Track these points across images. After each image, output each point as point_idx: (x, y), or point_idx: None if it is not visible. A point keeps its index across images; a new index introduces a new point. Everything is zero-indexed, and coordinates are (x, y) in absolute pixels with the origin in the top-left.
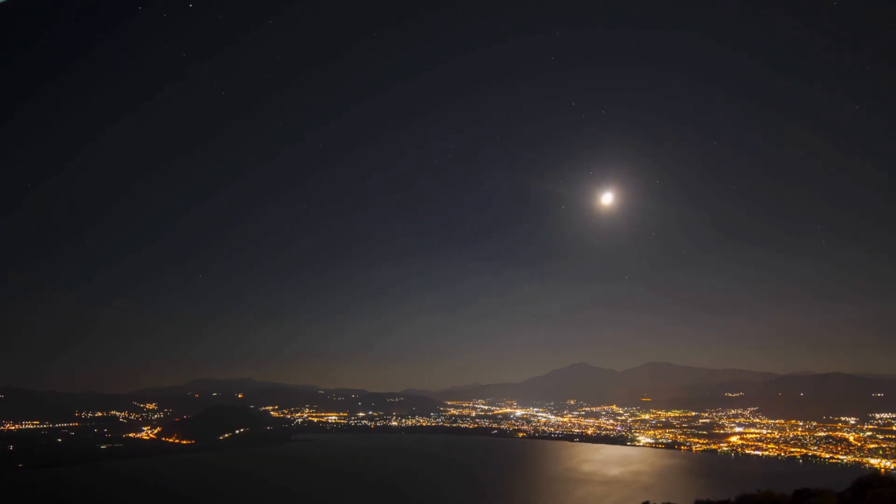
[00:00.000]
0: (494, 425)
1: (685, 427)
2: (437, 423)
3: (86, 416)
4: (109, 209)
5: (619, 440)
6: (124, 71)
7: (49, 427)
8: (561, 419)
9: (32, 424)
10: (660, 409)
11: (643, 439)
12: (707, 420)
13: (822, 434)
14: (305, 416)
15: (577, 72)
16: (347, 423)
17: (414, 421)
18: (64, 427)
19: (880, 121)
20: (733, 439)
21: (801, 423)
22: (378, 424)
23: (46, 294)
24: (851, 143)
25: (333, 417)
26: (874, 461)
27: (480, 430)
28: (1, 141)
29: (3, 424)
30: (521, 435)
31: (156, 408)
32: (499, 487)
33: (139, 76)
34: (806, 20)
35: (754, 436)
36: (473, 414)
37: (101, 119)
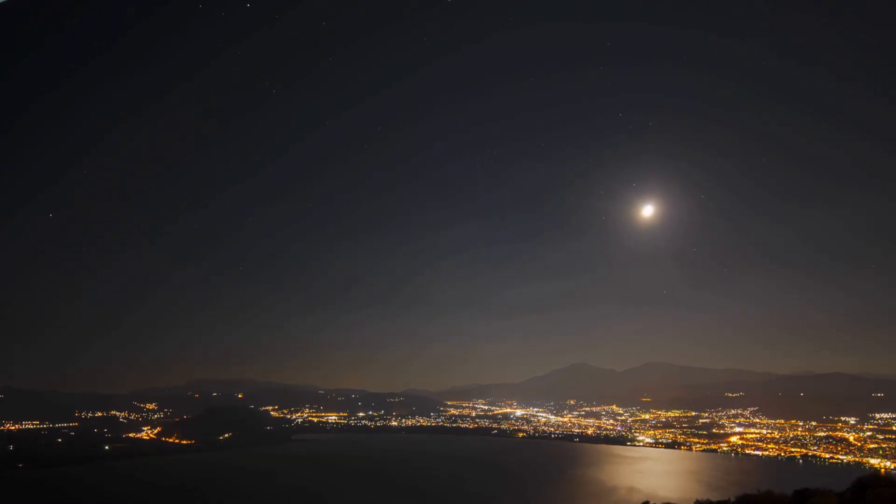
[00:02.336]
0: (494, 425)
1: (685, 427)
2: (438, 423)
3: (86, 416)
4: (111, 210)
5: (620, 440)
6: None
7: (49, 427)
8: (561, 419)
9: (32, 424)
10: (660, 409)
11: (643, 439)
12: (707, 420)
13: (822, 434)
14: (305, 416)
15: (624, 81)
16: (347, 423)
17: (414, 421)
18: (64, 427)
19: None
20: (733, 439)
21: (801, 423)
22: (378, 424)
23: (46, 294)
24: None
25: (333, 417)
26: (874, 461)
27: (480, 430)
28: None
29: (3, 424)
30: (521, 435)
31: (156, 408)
32: None
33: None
34: (875, 35)
35: (754, 436)
36: (473, 414)
37: (102, 123)
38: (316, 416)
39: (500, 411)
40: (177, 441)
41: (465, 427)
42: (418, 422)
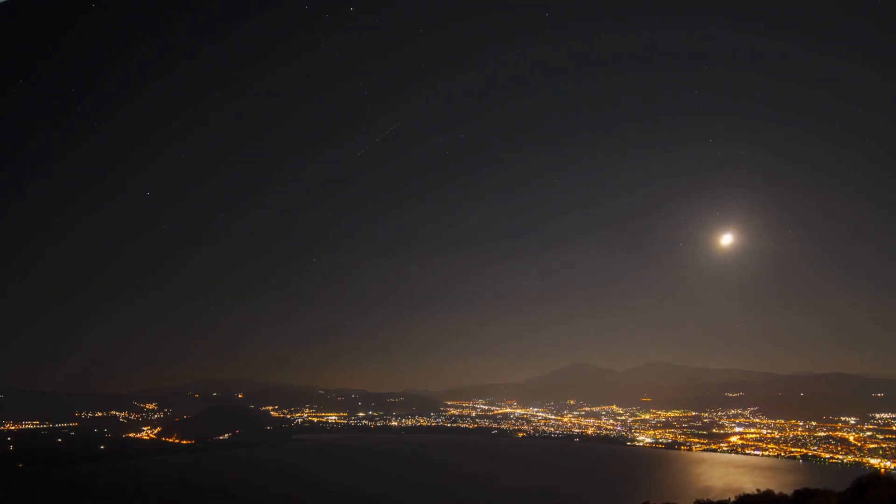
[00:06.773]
0: (494, 425)
1: (685, 427)
2: (438, 423)
3: (86, 416)
4: (111, 211)
5: (620, 440)
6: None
7: (49, 427)
8: (561, 419)
9: (32, 424)
10: (660, 409)
11: (643, 439)
12: (707, 420)
13: (822, 434)
14: (305, 416)
15: (718, 110)
16: (347, 423)
17: (414, 421)
18: (64, 427)
19: None
20: (733, 439)
21: (801, 423)
22: (378, 424)
23: (46, 294)
24: None
25: (333, 417)
26: (874, 461)
27: (481, 430)
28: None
29: (3, 424)
30: (521, 435)
31: (156, 408)
32: None
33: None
34: None
35: (754, 436)
36: (473, 414)
37: (121, 141)
38: (316, 416)
39: (500, 411)
40: (177, 441)
41: (466, 427)
42: (418, 422)
